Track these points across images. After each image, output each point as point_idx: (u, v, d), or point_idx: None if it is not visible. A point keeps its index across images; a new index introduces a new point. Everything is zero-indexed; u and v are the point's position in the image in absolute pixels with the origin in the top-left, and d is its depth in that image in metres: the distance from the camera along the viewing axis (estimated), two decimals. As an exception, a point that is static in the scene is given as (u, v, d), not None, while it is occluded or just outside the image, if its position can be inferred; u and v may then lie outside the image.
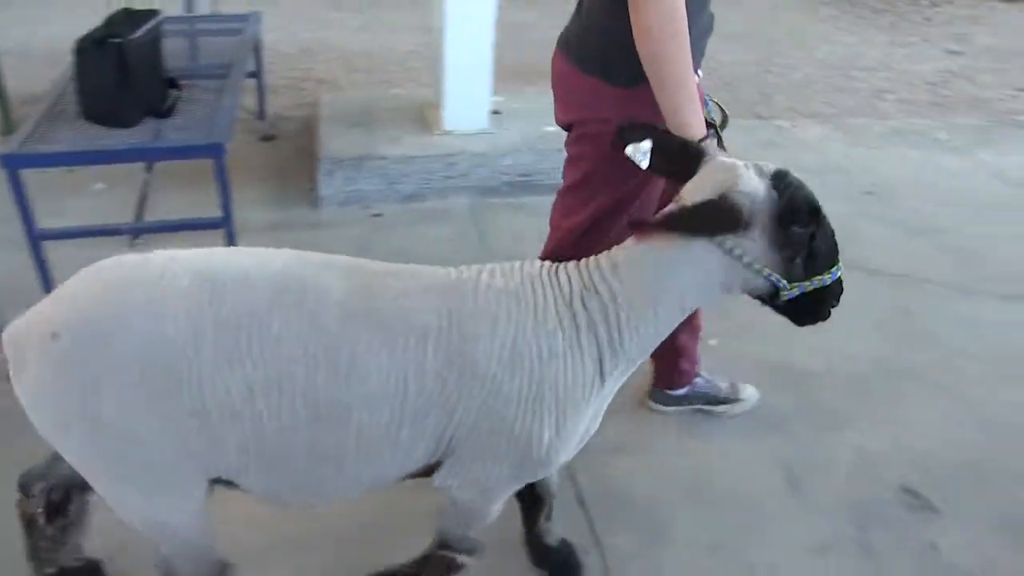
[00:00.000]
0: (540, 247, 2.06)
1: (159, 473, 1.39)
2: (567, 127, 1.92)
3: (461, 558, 1.70)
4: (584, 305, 1.44)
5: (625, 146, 1.50)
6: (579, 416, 1.49)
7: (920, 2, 7.51)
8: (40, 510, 1.63)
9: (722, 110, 1.78)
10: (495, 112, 3.77)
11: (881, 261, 3.20)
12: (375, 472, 1.48)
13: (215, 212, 2.57)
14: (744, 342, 2.67)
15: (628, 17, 1.58)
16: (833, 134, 4.38)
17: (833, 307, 1.50)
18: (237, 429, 1.36)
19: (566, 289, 1.46)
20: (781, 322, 1.52)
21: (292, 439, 1.38)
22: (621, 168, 1.55)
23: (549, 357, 1.42)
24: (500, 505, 1.63)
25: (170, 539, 1.52)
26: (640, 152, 1.49)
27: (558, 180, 1.96)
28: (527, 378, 1.41)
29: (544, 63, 1.94)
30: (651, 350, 1.53)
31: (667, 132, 1.56)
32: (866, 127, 4.52)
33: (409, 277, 1.45)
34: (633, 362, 1.52)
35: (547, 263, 1.52)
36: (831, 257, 1.45)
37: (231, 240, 2.59)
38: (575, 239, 1.93)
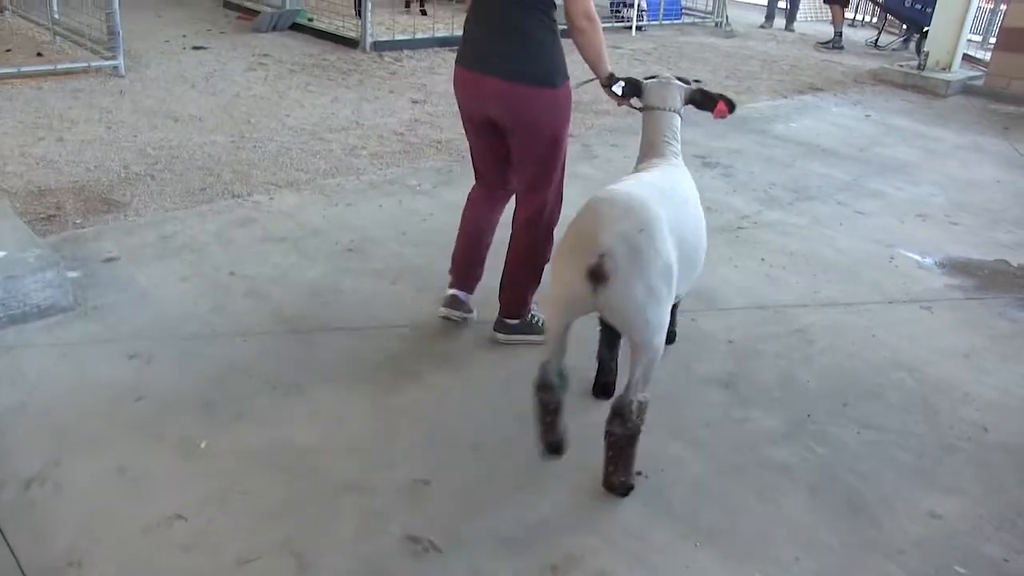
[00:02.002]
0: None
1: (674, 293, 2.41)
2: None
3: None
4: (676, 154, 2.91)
5: (613, 86, 2.91)
6: None
7: (384, 59, 8.12)
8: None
9: None
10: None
11: (357, 315, 3.39)
12: None
13: None
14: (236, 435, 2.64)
15: (549, 37, 2.89)
16: (311, 199, 4.54)
17: None
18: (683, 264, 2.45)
19: (668, 154, 2.87)
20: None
21: (695, 264, 2.67)
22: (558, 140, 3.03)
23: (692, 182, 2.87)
24: None
25: (661, 345, 2.41)
26: (620, 87, 2.90)
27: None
28: (695, 195, 2.81)
29: None
30: None
31: (629, 77, 2.94)
32: (342, 186, 4.75)
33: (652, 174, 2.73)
34: None
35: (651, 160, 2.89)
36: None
37: None
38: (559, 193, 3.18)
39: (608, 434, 2.42)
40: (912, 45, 10.95)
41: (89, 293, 3.42)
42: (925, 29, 10.49)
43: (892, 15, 10.87)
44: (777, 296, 3.94)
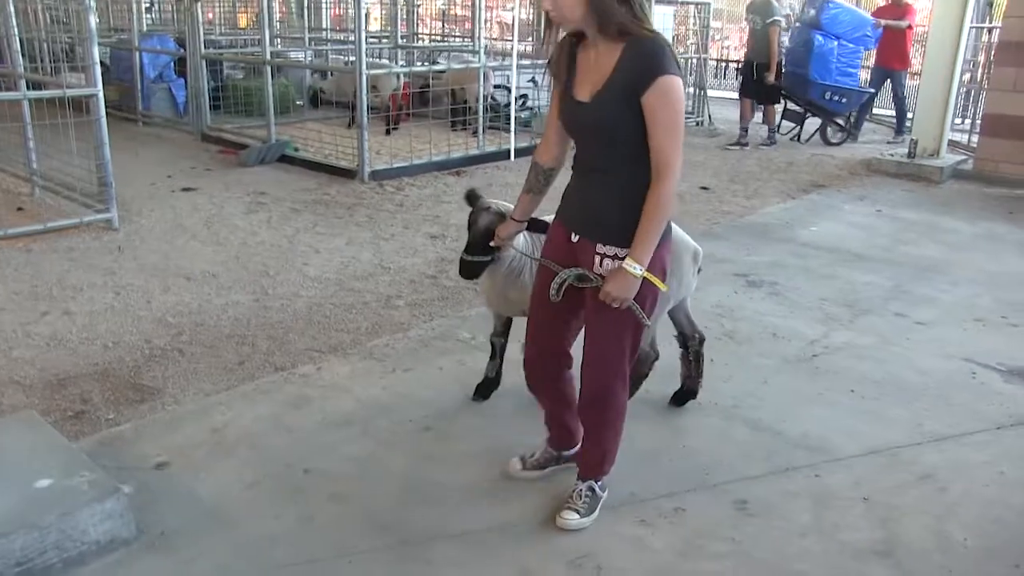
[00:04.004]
0: None
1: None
2: None
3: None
4: None
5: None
6: None
7: (385, 189, 7.83)
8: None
9: None
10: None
11: (466, 515, 2.99)
12: None
13: None
14: None
15: None
16: (362, 366, 4.12)
17: None
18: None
19: None
20: None
21: None
22: None
23: None
24: None
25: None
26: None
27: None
28: None
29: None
30: None
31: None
32: (391, 346, 4.34)
33: None
34: None
35: None
36: None
37: None
38: None
39: (697, 354, 3.74)
40: (825, 134, 11.07)
41: (149, 515, 2.95)
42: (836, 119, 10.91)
43: (810, 107, 10.79)
44: (886, 435, 3.66)
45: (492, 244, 3.05)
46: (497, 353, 3.77)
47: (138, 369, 4.11)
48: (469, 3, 12.12)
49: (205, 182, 7.93)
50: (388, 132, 10.14)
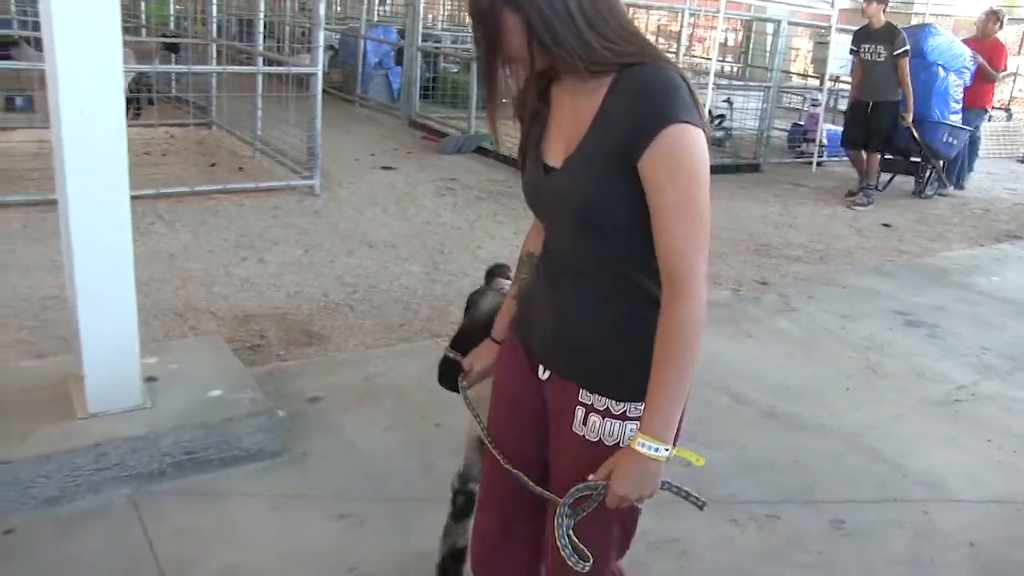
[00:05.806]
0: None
1: None
2: None
3: None
4: None
5: None
6: None
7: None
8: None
9: None
10: (150, 379, 3.38)
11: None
12: None
13: None
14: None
15: None
16: (508, 344, 4.43)
17: None
18: None
19: None
20: None
21: None
22: None
23: None
24: None
25: None
26: None
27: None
28: None
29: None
30: None
31: None
32: (538, 330, 4.63)
33: None
34: None
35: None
36: None
37: None
38: None
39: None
40: (932, 177, 9.43)
41: (295, 437, 3.37)
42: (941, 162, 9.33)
43: (926, 147, 9.01)
44: (1015, 488, 3.55)
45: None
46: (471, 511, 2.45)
47: (312, 317, 4.60)
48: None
49: (404, 163, 8.53)
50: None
